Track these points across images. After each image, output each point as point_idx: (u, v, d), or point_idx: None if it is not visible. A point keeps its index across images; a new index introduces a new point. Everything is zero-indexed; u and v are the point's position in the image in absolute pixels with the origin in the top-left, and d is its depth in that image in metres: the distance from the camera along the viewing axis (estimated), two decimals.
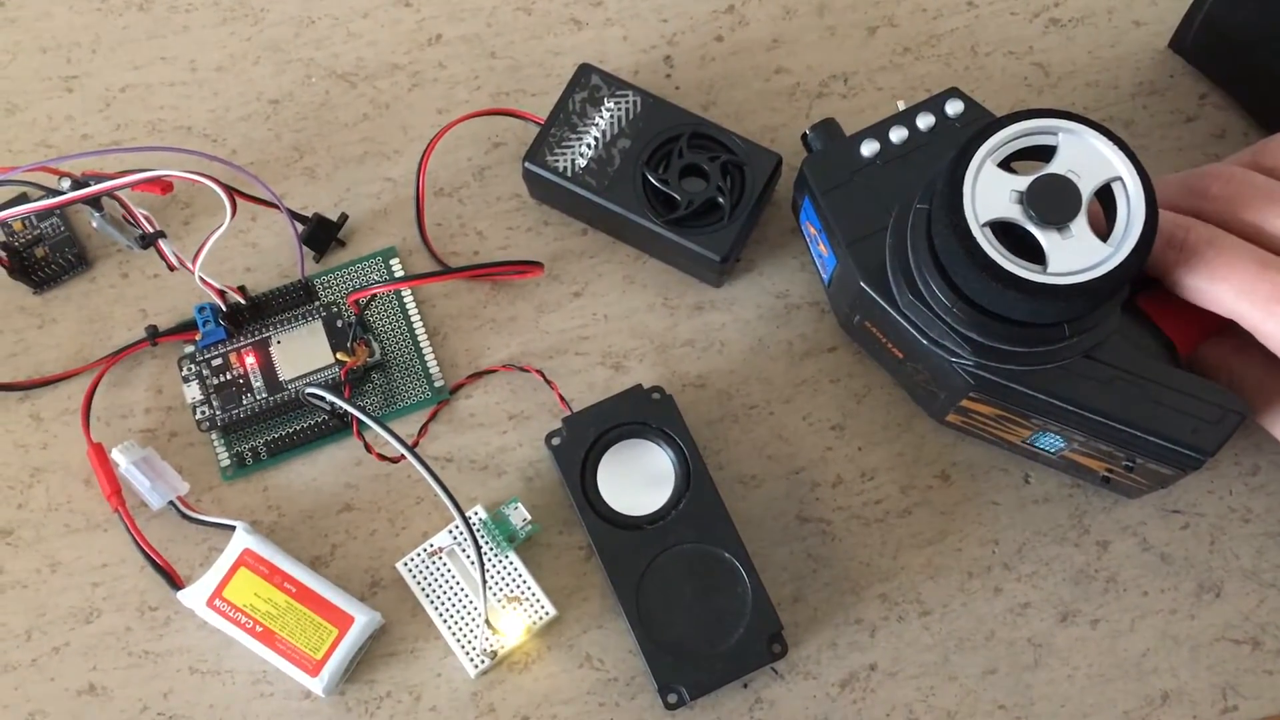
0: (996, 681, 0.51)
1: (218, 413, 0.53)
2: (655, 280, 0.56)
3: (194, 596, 0.50)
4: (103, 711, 0.51)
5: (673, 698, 0.49)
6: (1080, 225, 0.40)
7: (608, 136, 0.54)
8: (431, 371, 0.54)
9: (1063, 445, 0.47)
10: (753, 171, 0.53)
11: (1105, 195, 0.41)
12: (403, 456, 0.51)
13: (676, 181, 0.53)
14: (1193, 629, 0.51)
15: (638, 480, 0.51)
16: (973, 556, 0.52)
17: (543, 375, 0.54)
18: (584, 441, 0.51)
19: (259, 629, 0.50)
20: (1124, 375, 0.44)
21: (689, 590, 0.50)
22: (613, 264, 0.56)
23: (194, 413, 0.53)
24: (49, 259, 0.55)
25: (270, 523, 0.53)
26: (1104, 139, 0.41)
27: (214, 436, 0.54)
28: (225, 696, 0.51)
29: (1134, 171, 0.40)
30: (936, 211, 0.41)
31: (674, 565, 0.50)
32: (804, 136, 0.51)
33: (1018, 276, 0.39)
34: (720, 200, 0.53)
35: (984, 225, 0.40)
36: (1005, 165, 0.41)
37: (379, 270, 0.56)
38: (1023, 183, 0.40)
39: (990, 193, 0.40)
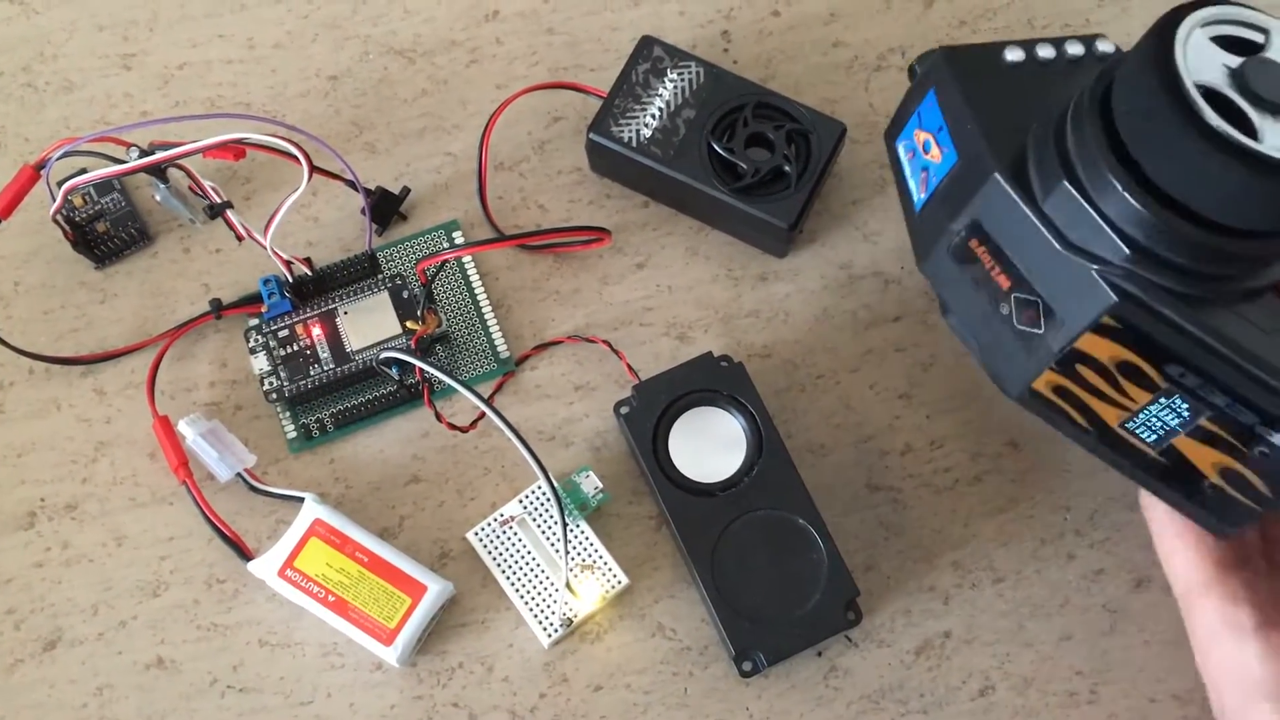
0: (1072, 648, 0.51)
1: (285, 383, 0.52)
2: (718, 251, 0.56)
3: (265, 567, 0.50)
4: (171, 684, 0.50)
5: (748, 665, 0.49)
6: None
7: (672, 107, 0.54)
8: (496, 343, 0.54)
9: (1184, 422, 0.40)
10: (819, 140, 0.53)
11: None
12: (472, 425, 0.52)
13: (742, 150, 0.53)
14: None
15: (709, 447, 0.51)
16: (1045, 523, 0.52)
17: (609, 345, 0.54)
18: (655, 409, 0.51)
19: (331, 599, 0.49)
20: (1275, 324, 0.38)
21: (763, 557, 0.49)
22: (675, 235, 0.56)
23: (261, 384, 0.53)
24: (110, 234, 0.55)
25: (337, 495, 0.53)
26: None
27: (279, 409, 0.53)
28: (295, 668, 0.50)
29: None
30: (1134, 70, 0.36)
31: (748, 532, 0.50)
32: (920, 58, 0.46)
33: (1244, 144, 0.34)
34: (786, 169, 0.53)
35: (1196, 84, 0.35)
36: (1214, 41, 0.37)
37: (442, 243, 0.56)
38: (1234, 60, 0.36)
39: (1198, 58, 0.36)
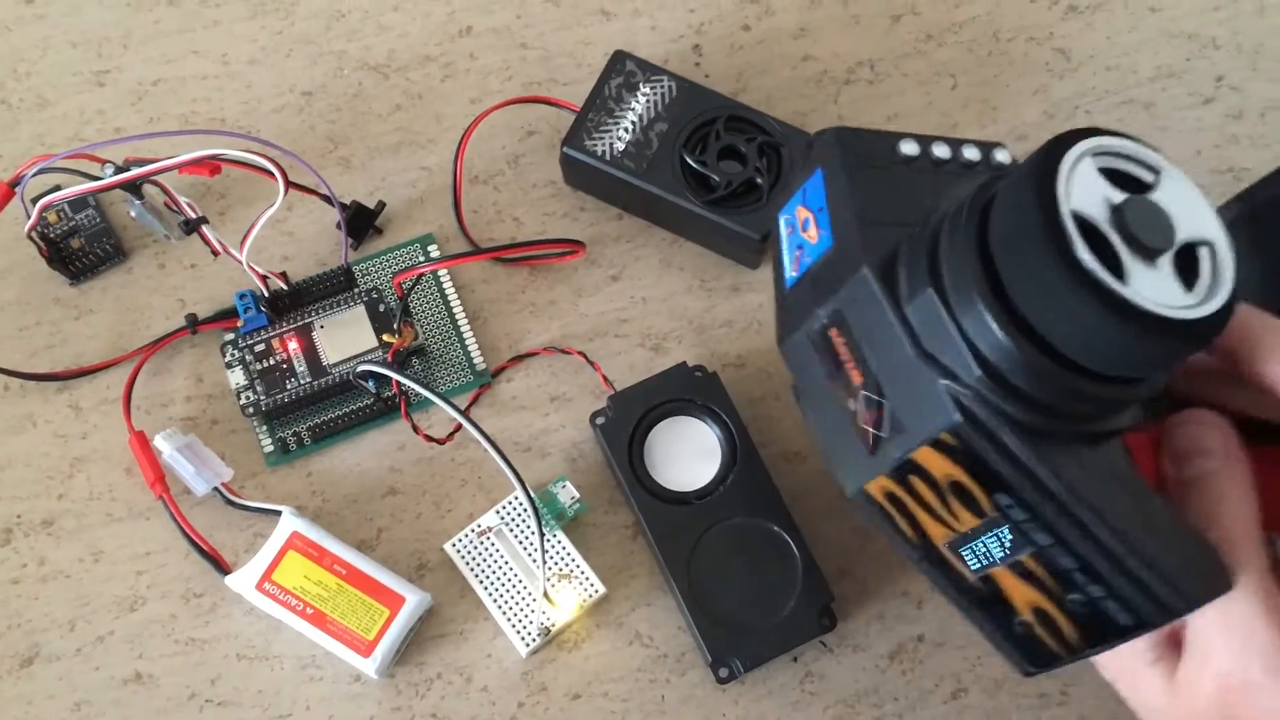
0: None
1: (262, 398, 0.53)
2: (692, 263, 0.57)
3: (243, 580, 0.50)
4: (149, 699, 0.50)
5: (725, 671, 0.49)
6: (1166, 263, 0.34)
7: (645, 120, 0.55)
8: (473, 356, 0.55)
9: (1004, 555, 0.38)
10: (790, 152, 0.54)
11: (1184, 257, 0.35)
12: (449, 437, 0.52)
13: (714, 163, 0.54)
14: None
15: (685, 456, 0.52)
16: None
17: (585, 356, 0.54)
18: (630, 419, 0.52)
19: (310, 611, 0.49)
20: (1124, 482, 0.36)
21: (739, 564, 0.50)
22: (649, 248, 0.57)
23: (238, 398, 0.53)
24: (85, 250, 0.55)
25: (315, 508, 0.53)
26: (1202, 199, 0.35)
27: (256, 423, 0.53)
28: (274, 681, 0.51)
29: (1227, 240, 0.35)
30: (1014, 186, 0.34)
31: (724, 539, 0.50)
32: (818, 134, 0.44)
33: (1107, 284, 0.32)
34: (758, 181, 0.54)
35: (1072, 212, 0.33)
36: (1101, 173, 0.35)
37: (418, 256, 0.56)
38: (1118, 196, 0.34)
39: (1082, 187, 0.34)
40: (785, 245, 0.43)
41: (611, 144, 0.54)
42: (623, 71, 0.56)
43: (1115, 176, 0.35)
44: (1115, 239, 0.33)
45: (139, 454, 0.52)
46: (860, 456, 0.39)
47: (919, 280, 0.36)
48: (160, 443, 0.51)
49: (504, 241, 0.57)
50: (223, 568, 0.51)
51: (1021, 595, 0.38)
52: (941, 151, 0.41)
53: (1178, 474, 0.38)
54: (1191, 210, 0.35)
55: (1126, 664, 0.39)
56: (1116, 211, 0.34)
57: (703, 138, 0.55)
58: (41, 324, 0.55)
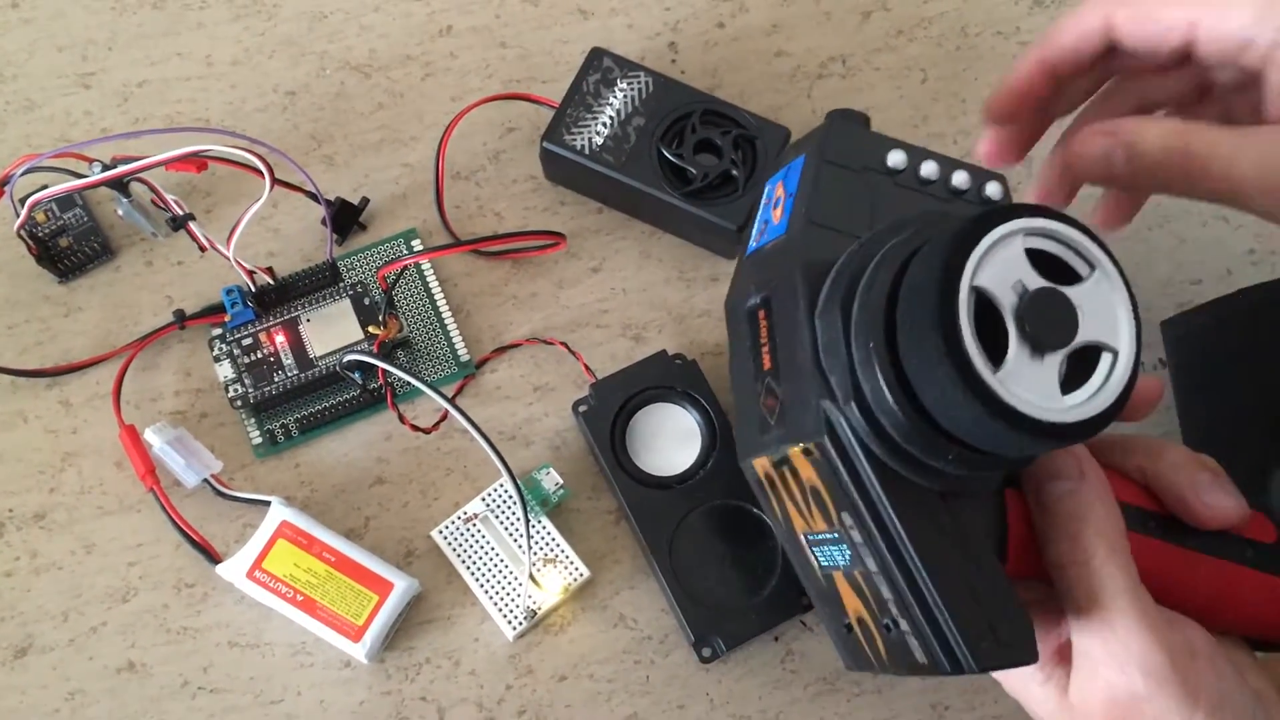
0: None
1: (250, 390, 0.53)
2: (670, 254, 0.58)
3: (233, 569, 0.51)
4: (142, 688, 0.51)
5: (707, 651, 0.50)
6: (1055, 359, 0.34)
7: (622, 115, 0.56)
8: (457, 347, 0.56)
9: (842, 564, 0.40)
10: (764, 144, 0.55)
11: (1085, 355, 0.35)
12: (435, 427, 0.53)
13: (691, 156, 0.55)
14: None
15: (666, 441, 0.53)
16: None
17: (567, 346, 0.56)
18: (612, 406, 0.53)
19: (300, 598, 0.50)
20: (963, 541, 0.37)
21: (720, 546, 0.51)
22: (629, 240, 0.58)
23: (226, 391, 0.54)
24: (74, 248, 0.56)
25: (303, 498, 0.54)
26: (1128, 306, 0.35)
27: (244, 415, 0.54)
28: (265, 668, 0.52)
29: (1132, 353, 0.35)
30: (932, 245, 0.34)
31: (704, 522, 0.51)
32: (830, 114, 0.43)
33: (971, 364, 0.32)
34: (734, 172, 0.55)
35: (975, 287, 0.33)
36: (1030, 254, 0.35)
37: (401, 250, 0.57)
38: (1035, 282, 0.34)
39: (1000, 263, 0.34)
40: (759, 213, 0.44)
41: (590, 139, 0.56)
42: (600, 68, 0.57)
43: (1047, 260, 0.35)
44: (1010, 323, 0.33)
45: (129, 447, 0.53)
46: (754, 432, 0.41)
47: (834, 297, 0.37)
48: (150, 436, 0.52)
49: (486, 235, 0.58)
50: (213, 557, 0.52)
51: (850, 602, 0.40)
52: (929, 170, 0.41)
53: (1036, 503, 0.39)
54: (1110, 314, 0.35)
55: (1020, 684, 0.40)
56: (1024, 298, 0.34)
57: (679, 132, 0.56)
58: (31, 321, 0.56)
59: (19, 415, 0.55)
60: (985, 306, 0.33)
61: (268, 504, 0.52)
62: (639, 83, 0.56)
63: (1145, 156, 0.37)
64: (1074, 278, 0.35)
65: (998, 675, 0.40)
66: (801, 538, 0.41)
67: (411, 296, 0.56)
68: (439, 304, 0.56)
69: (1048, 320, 0.33)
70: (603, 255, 0.58)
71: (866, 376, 0.35)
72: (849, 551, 0.39)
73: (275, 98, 0.60)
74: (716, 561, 0.51)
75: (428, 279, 0.57)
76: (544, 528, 0.52)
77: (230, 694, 0.51)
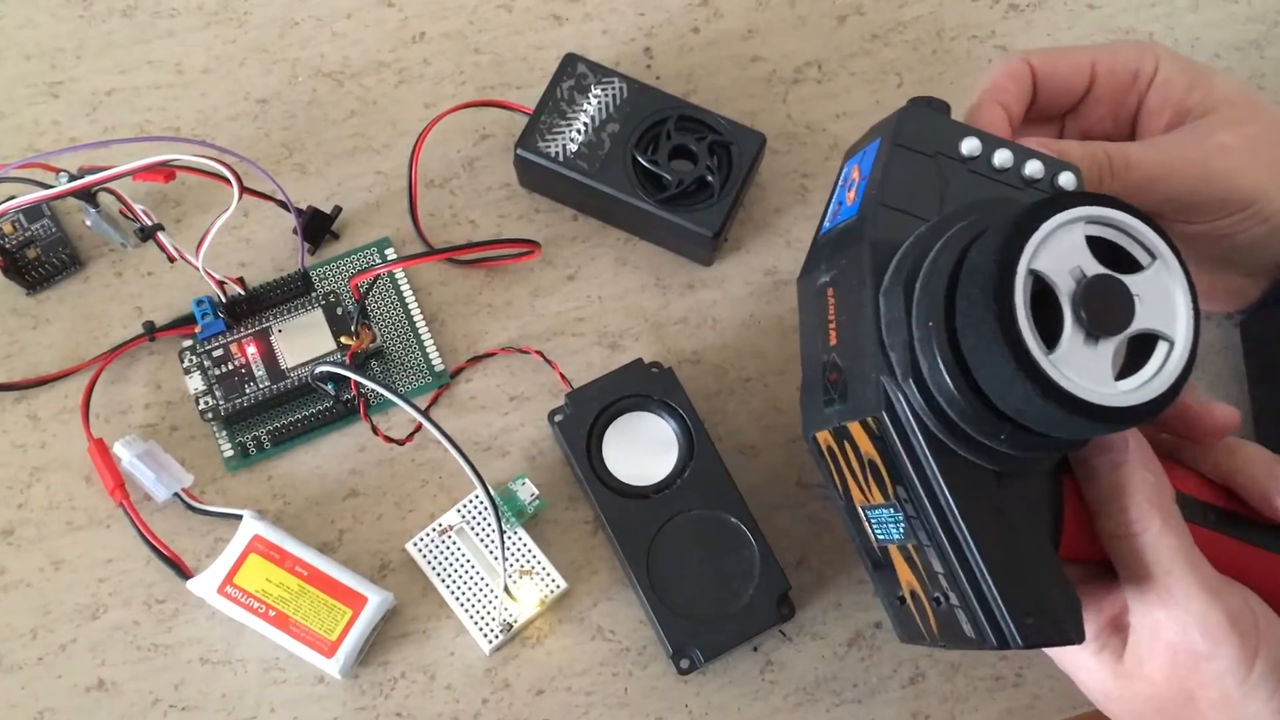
0: None
1: (221, 402, 0.53)
2: (647, 262, 0.57)
3: (204, 584, 0.50)
4: (113, 706, 0.50)
5: (686, 662, 0.50)
6: (1109, 345, 0.35)
7: (596, 122, 0.55)
8: (431, 357, 0.55)
9: (897, 538, 0.41)
10: (739, 150, 0.55)
11: (1143, 343, 0.36)
12: (409, 438, 0.52)
13: (666, 163, 0.55)
14: None
15: (642, 451, 0.52)
16: None
17: (542, 355, 0.55)
18: (588, 415, 0.52)
19: (272, 613, 0.50)
20: (1014, 520, 0.38)
21: (697, 556, 0.51)
22: (604, 248, 0.58)
23: (197, 403, 0.53)
24: (41, 260, 0.55)
25: (276, 511, 0.53)
26: (1187, 296, 0.36)
27: (216, 428, 0.54)
28: (238, 685, 0.51)
29: (1188, 343, 0.35)
30: (995, 228, 0.35)
31: (681, 532, 0.51)
32: (913, 99, 0.44)
33: (1026, 347, 0.33)
34: (709, 179, 0.55)
35: (1032, 270, 0.34)
36: (1090, 241, 0.36)
37: (374, 259, 0.57)
38: (1093, 268, 0.35)
39: (1060, 249, 0.35)
40: (834, 193, 0.45)
41: (565, 145, 0.55)
42: (574, 74, 0.56)
43: (1109, 248, 0.36)
44: (1066, 308, 0.34)
45: (98, 462, 0.52)
46: (819, 406, 0.42)
47: (899, 277, 0.38)
48: (119, 450, 0.52)
49: (460, 243, 0.57)
50: (184, 573, 0.51)
51: (904, 574, 0.42)
52: (1002, 159, 0.41)
53: (1086, 478, 0.40)
54: (1169, 304, 0.36)
55: (1073, 658, 0.42)
56: (1081, 283, 0.35)
57: (654, 138, 0.55)
58: None
59: None
60: (1043, 291, 0.34)
61: (239, 518, 0.51)
62: (613, 89, 0.56)
63: (1073, 162, 0.43)
64: (1135, 266, 0.36)
65: (1050, 651, 0.41)
66: (860, 510, 0.42)
67: (385, 306, 0.56)
68: (413, 313, 0.56)
69: (1103, 306, 0.35)
70: (578, 263, 0.57)
71: (925, 355, 0.36)
72: (903, 524, 0.40)
73: (247, 106, 0.59)
74: (694, 571, 0.50)
75: (401, 288, 0.56)
76: (520, 539, 0.52)
77: (202, 711, 0.50)
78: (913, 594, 0.42)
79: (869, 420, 0.38)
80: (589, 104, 0.56)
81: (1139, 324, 0.35)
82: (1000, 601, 0.38)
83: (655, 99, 0.56)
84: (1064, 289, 0.35)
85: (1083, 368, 0.34)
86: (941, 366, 0.36)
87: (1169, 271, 0.36)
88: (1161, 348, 0.35)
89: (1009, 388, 0.34)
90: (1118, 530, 0.39)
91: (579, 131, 0.55)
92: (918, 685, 0.52)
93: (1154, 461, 0.39)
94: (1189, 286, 0.36)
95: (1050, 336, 0.34)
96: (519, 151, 0.55)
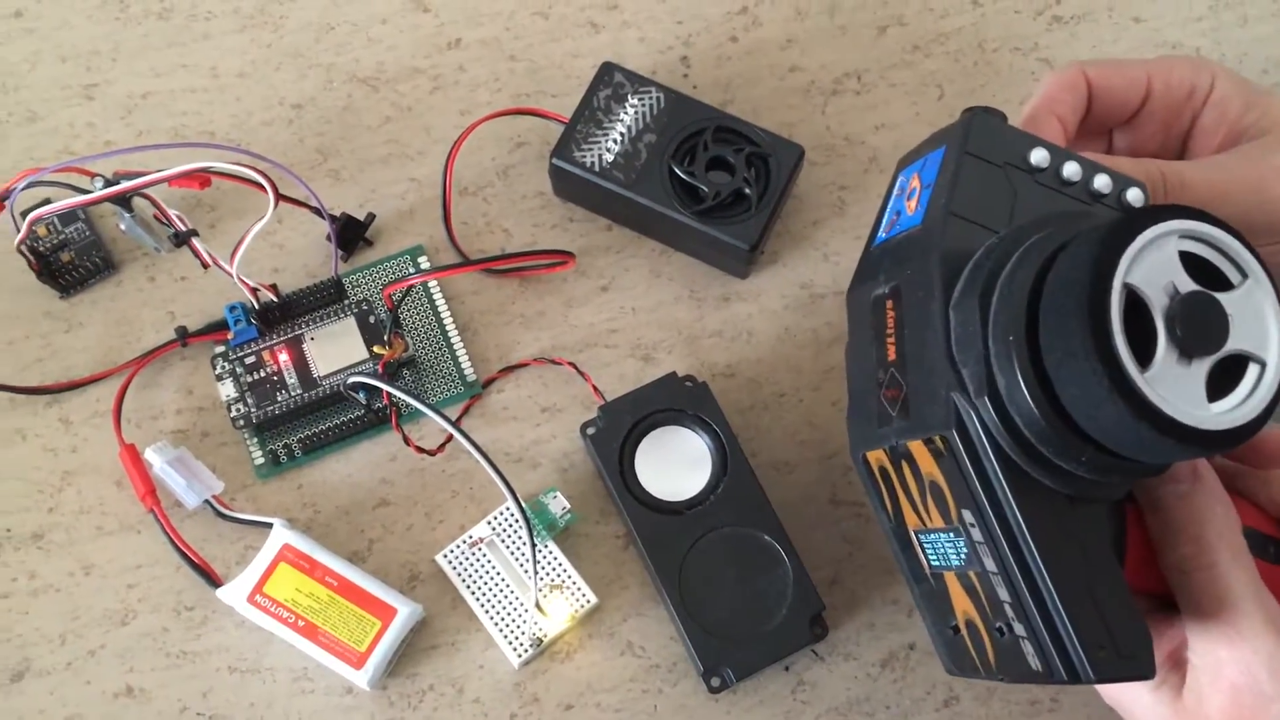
0: None
1: (252, 409, 0.53)
2: (681, 273, 0.57)
3: (234, 593, 0.50)
4: (141, 713, 0.50)
5: (716, 681, 0.49)
6: (1202, 366, 0.33)
7: (633, 132, 0.55)
8: (463, 367, 0.55)
9: (956, 564, 0.40)
10: (777, 163, 0.54)
11: (1230, 365, 0.34)
12: (440, 449, 0.52)
13: (703, 174, 0.54)
14: None
15: (675, 466, 0.52)
16: None
17: (575, 367, 0.55)
18: (621, 429, 0.52)
19: (301, 623, 0.49)
20: (1087, 547, 0.37)
21: (730, 573, 0.50)
22: (639, 258, 0.57)
23: (229, 410, 0.53)
24: (75, 263, 0.55)
25: (306, 519, 0.53)
26: (1279, 316, 0.35)
27: (246, 435, 0.53)
28: (266, 694, 0.51)
29: None
30: (1084, 238, 0.34)
31: (714, 549, 0.50)
32: (972, 109, 0.42)
33: (1122, 365, 0.32)
34: (747, 191, 0.54)
35: (1126, 284, 0.33)
36: (1183, 256, 0.34)
37: (408, 268, 0.56)
38: (1187, 285, 0.34)
39: (1153, 263, 0.33)
40: (889, 202, 0.43)
41: (600, 155, 0.55)
42: (611, 83, 0.56)
43: (1200, 265, 0.35)
44: (1160, 325, 0.33)
45: (129, 467, 0.52)
46: (871, 424, 0.40)
47: (972, 289, 0.37)
48: (151, 456, 0.51)
49: (494, 253, 0.57)
50: (214, 580, 0.51)
51: (960, 603, 0.40)
52: (1071, 171, 0.40)
53: (1152, 508, 0.39)
54: (1261, 324, 0.34)
55: (1128, 692, 0.41)
56: (1175, 300, 0.33)
57: (691, 148, 0.55)
58: (31, 337, 0.55)
59: (18, 433, 0.54)
60: (1133, 307, 0.33)
61: (269, 526, 0.51)
62: (650, 98, 0.55)
63: None
64: (1225, 284, 0.35)
65: (1102, 687, 0.40)
66: (913, 534, 0.41)
67: (418, 315, 0.55)
68: (445, 322, 0.55)
69: (1198, 325, 0.33)
70: (612, 274, 0.57)
71: (1003, 370, 0.35)
72: (965, 550, 0.38)
73: (281, 111, 0.59)
74: (727, 589, 0.50)
75: (434, 297, 0.56)
76: (551, 553, 0.51)
77: None
78: (969, 623, 0.40)
79: (936, 439, 0.37)
80: (625, 113, 0.55)
81: (1233, 344, 0.34)
82: (1073, 634, 0.36)
83: (692, 109, 0.55)
84: (1158, 305, 0.33)
85: (1176, 388, 0.33)
86: (1021, 384, 0.34)
87: (1261, 290, 0.35)
88: (1253, 370, 0.34)
89: (1099, 408, 0.32)
90: (1184, 563, 0.38)
91: (615, 141, 0.55)
92: (952, 709, 0.51)
93: (1223, 492, 0.38)
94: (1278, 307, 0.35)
95: (1142, 355, 0.32)
96: (554, 161, 0.55)
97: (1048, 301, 0.34)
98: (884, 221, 0.43)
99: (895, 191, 0.43)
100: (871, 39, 0.61)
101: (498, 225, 0.57)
